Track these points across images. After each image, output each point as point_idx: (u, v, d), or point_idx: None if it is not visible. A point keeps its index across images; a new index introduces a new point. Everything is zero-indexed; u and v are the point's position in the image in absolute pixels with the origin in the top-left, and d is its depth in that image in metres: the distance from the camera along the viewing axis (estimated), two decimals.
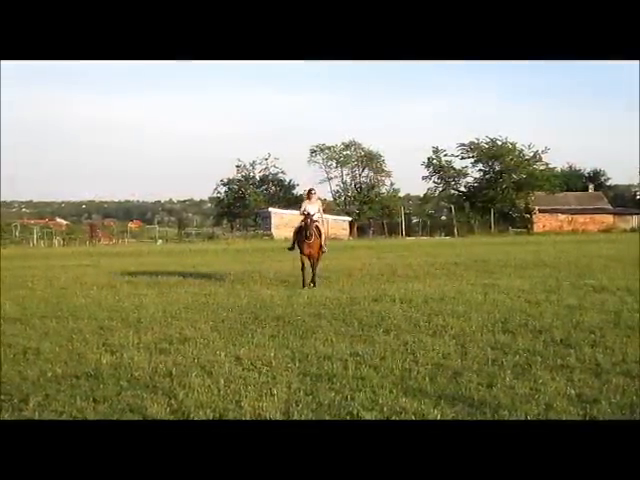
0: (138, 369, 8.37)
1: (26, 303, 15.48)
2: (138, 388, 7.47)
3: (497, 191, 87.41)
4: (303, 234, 18.60)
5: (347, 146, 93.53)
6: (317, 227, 18.83)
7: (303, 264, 18.64)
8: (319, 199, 20.00)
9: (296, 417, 6.31)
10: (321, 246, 18.86)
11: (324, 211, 20.08)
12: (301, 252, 18.79)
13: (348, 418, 6.28)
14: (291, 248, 19.58)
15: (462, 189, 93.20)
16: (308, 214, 18.68)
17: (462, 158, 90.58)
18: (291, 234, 20.09)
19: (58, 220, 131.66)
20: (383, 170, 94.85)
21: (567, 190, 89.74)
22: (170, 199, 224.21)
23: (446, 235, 79.50)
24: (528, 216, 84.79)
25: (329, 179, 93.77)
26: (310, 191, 19.75)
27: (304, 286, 17.93)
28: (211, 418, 6.39)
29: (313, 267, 18.67)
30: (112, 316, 12.94)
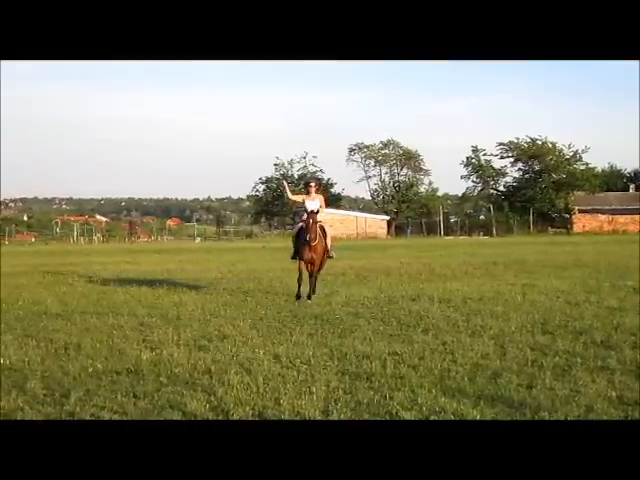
0: (178, 366, 8.43)
1: (67, 299, 15.69)
2: (178, 384, 7.52)
3: (536, 191, 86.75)
4: (304, 237, 15.20)
5: (385, 145, 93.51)
6: (322, 227, 15.51)
7: (301, 273, 15.29)
8: (320, 193, 16.54)
9: (335, 416, 6.31)
10: (327, 251, 15.69)
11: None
12: (300, 258, 15.41)
13: (387, 417, 6.27)
14: (294, 257, 15.85)
15: (501, 188, 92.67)
16: (311, 212, 15.24)
17: (501, 157, 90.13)
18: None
19: (98, 217, 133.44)
20: (422, 169, 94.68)
21: (607, 190, 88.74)
22: (209, 197, 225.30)
23: (484, 235, 79.05)
24: (568, 216, 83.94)
25: (367, 178, 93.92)
26: (309, 184, 16.51)
27: (298, 298, 14.92)
28: (250, 415, 6.41)
29: (312, 276, 15.43)
30: (152, 313, 13.06)
